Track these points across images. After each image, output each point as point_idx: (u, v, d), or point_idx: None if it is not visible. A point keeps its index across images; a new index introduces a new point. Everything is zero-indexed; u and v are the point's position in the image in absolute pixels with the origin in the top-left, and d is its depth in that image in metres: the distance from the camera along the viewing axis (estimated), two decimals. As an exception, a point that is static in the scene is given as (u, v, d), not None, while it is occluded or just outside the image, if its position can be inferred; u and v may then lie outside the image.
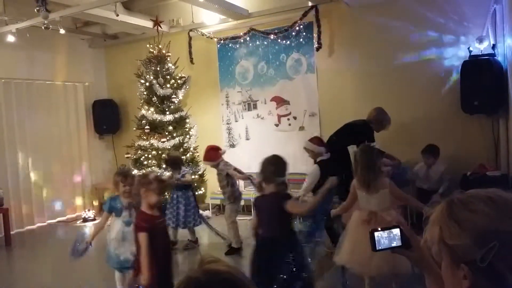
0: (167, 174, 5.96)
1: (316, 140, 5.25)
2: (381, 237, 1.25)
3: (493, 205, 0.87)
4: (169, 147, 6.85)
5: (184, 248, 5.64)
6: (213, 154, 5.54)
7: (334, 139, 5.32)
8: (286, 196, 3.14)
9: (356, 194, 3.62)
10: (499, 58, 5.18)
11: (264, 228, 3.19)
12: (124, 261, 3.67)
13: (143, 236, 2.99)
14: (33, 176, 7.46)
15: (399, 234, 1.25)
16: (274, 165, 3.21)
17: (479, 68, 5.11)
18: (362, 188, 3.57)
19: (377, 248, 1.25)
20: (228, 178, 5.47)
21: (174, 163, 5.70)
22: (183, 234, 5.71)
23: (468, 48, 5.40)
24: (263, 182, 3.21)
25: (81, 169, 8.25)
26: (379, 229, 1.26)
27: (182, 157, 6.83)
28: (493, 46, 5.24)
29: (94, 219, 7.52)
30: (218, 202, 7.26)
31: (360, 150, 3.72)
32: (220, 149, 5.67)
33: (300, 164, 6.67)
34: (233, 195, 5.52)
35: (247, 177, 5.44)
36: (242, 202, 6.55)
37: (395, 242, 1.25)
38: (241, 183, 6.60)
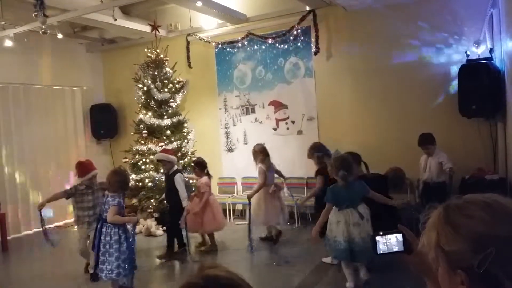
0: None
1: (170, 152, 5.71)
2: (383, 241, 1.24)
3: (490, 210, 0.86)
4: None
5: None
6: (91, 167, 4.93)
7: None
8: None
9: (266, 175, 5.46)
10: (496, 62, 5.20)
11: None
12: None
13: None
14: (30, 181, 7.42)
15: (402, 239, 1.24)
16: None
17: (477, 72, 5.12)
18: (269, 168, 5.53)
19: (378, 252, 1.24)
20: (96, 196, 4.83)
21: (123, 183, 4.19)
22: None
23: (466, 52, 5.42)
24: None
25: (79, 174, 8.21)
26: (381, 233, 1.25)
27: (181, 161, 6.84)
28: (490, 50, 5.26)
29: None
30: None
31: (256, 146, 5.67)
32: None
33: (299, 168, 6.68)
34: (95, 216, 4.68)
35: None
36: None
37: (397, 247, 1.24)
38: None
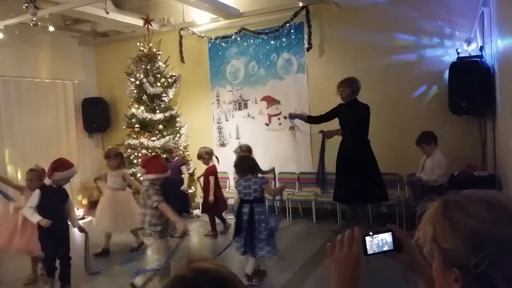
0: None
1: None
2: (372, 242, 1.23)
3: (491, 210, 0.82)
4: (159, 145, 6.83)
5: None
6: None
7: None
8: None
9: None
10: (487, 59, 5.25)
11: None
12: None
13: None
14: (21, 174, 7.36)
15: (391, 238, 1.23)
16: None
17: (467, 70, 5.16)
18: (112, 171, 5.66)
19: (368, 253, 1.21)
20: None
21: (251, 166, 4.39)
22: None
23: (456, 50, 5.46)
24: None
25: (70, 168, 8.17)
26: (370, 233, 1.24)
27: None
28: (481, 48, 5.30)
29: (83, 218, 7.46)
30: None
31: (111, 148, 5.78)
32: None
33: (290, 164, 6.71)
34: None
35: None
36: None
37: (386, 247, 1.23)
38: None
